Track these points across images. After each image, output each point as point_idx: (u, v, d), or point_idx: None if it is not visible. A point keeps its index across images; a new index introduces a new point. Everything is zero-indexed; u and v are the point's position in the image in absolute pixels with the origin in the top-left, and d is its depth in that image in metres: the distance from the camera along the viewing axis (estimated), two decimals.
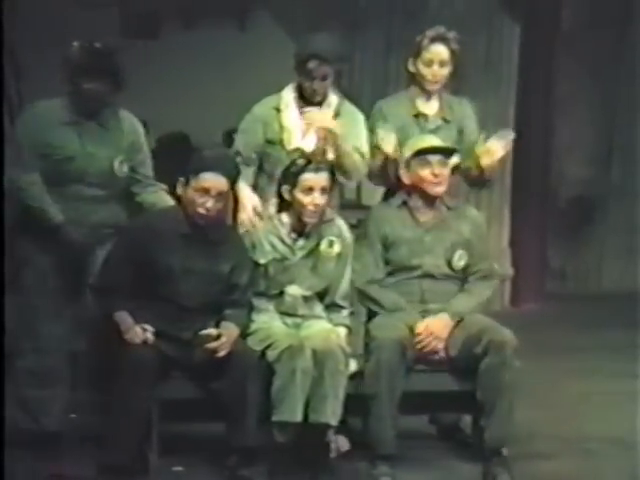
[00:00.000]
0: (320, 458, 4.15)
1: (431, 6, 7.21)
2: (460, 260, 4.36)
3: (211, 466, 4.17)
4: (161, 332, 4.06)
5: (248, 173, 4.41)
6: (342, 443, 4.32)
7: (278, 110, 4.39)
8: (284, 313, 4.26)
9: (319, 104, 4.39)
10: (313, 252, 4.27)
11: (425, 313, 4.30)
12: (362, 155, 4.42)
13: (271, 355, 4.09)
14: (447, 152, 4.35)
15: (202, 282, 4.10)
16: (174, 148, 6.27)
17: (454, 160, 4.41)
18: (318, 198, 4.17)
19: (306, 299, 4.26)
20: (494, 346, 4.16)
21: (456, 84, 4.57)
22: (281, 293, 4.25)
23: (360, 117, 4.49)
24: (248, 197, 4.36)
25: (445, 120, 4.51)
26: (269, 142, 4.38)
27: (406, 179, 4.36)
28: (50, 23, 5.77)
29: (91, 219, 4.21)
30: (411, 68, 4.48)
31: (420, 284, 4.33)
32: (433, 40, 4.42)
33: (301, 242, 4.26)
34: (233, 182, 4.13)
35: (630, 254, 7.49)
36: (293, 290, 4.24)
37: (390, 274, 4.35)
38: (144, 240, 4.10)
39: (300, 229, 4.25)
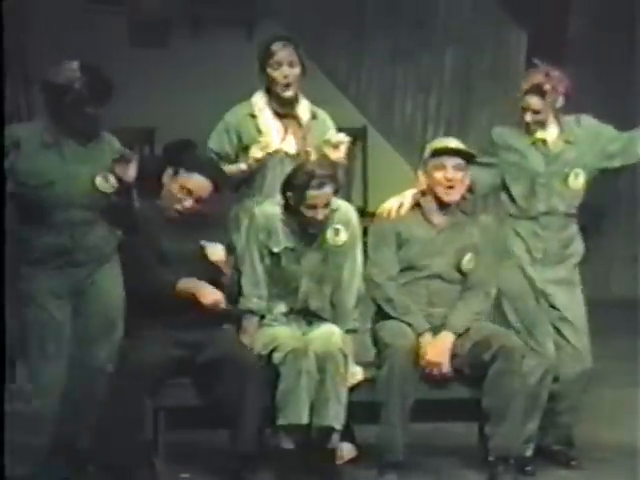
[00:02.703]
0: (326, 465, 4.16)
1: (439, 15, 7.23)
2: (469, 263, 4.33)
3: (217, 473, 4.17)
4: (169, 333, 4.10)
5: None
6: (348, 450, 4.32)
7: (253, 116, 4.43)
8: (297, 312, 4.26)
9: (290, 106, 4.41)
10: (322, 244, 4.28)
11: (429, 317, 4.30)
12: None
13: (277, 357, 4.11)
14: (465, 157, 4.30)
15: (197, 266, 4.13)
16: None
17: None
18: (321, 213, 4.21)
19: (318, 292, 4.27)
20: (504, 352, 4.15)
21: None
22: (295, 290, 4.25)
23: (330, 126, 4.52)
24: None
25: (569, 142, 4.44)
26: (246, 148, 4.40)
27: (422, 180, 4.34)
28: (59, 33, 5.80)
29: (86, 243, 4.08)
30: (518, 94, 4.42)
31: (428, 286, 4.32)
32: (527, 92, 4.35)
33: (309, 235, 4.28)
34: (215, 187, 4.16)
35: (638, 262, 7.47)
36: (305, 285, 4.25)
37: (399, 273, 4.32)
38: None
39: (306, 227, 4.28)
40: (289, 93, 4.38)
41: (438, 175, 4.26)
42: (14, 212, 4.01)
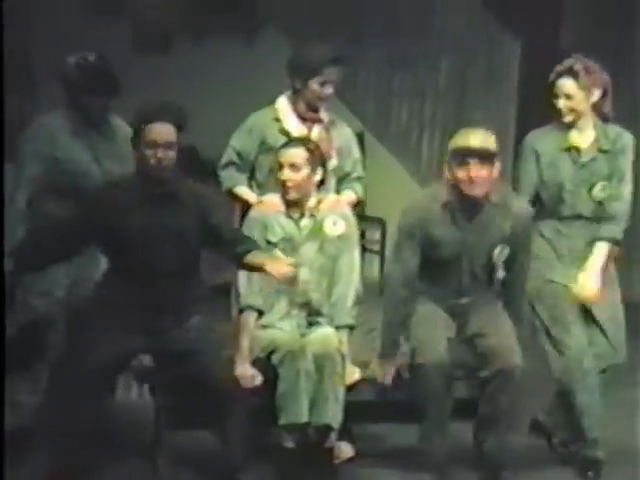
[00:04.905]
0: (323, 464, 4.22)
1: (434, 23, 7.31)
2: (501, 255, 4.22)
3: (216, 475, 4.17)
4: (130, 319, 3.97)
5: (243, 179, 4.57)
6: (345, 450, 4.38)
7: (277, 120, 4.53)
8: (299, 307, 4.33)
9: (316, 110, 4.52)
10: (319, 233, 4.36)
11: (455, 308, 4.25)
12: (360, 180, 4.65)
13: (275, 359, 4.18)
14: (487, 154, 4.09)
15: (171, 241, 3.98)
16: (182, 161, 6.40)
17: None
18: (287, 174, 4.30)
19: (317, 285, 4.33)
20: (503, 374, 4.10)
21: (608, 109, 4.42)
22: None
23: (351, 137, 4.67)
24: (253, 196, 4.51)
25: (601, 151, 4.36)
26: (269, 149, 4.49)
27: (448, 175, 4.18)
28: (63, 38, 5.87)
29: None
30: (553, 98, 4.35)
31: (459, 279, 4.25)
32: (560, 74, 4.31)
33: (305, 221, 4.37)
34: (179, 129, 3.99)
35: (633, 265, 7.51)
36: (304, 275, 4.32)
37: (427, 264, 4.23)
38: (104, 207, 3.99)
39: (301, 209, 4.37)
40: (322, 106, 4.52)
41: (461, 173, 4.08)
42: (39, 191, 4.21)
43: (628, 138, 4.41)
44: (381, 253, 6.75)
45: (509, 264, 4.27)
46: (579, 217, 4.39)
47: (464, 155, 4.08)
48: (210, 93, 6.55)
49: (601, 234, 4.37)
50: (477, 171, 4.07)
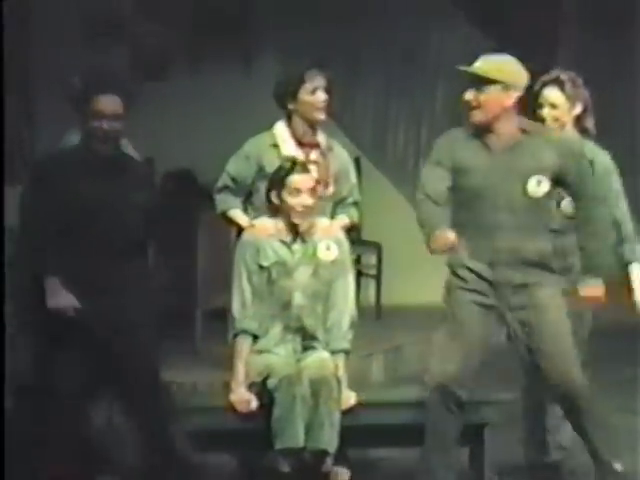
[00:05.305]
0: None
1: (431, 49, 7.36)
2: (538, 186, 4.02)
3: None
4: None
5: (237, 203, 4.57)
6: (342, 474, 4.36)
7: (275, 145, 4.53)
8: (293, 331, 4.34)
9: (313, 133, 4.53)
10: (312, 258, 4.36)
11: (495, 253, 4.05)
12: (356, 204, 4.65)
13: (271, 383, 4.20)
14: (481, 80, 4.02)
15: (120, 214, 3.98)
16: (179, 185, 6.46)
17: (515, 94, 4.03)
18: (306, 199, 4.30)
19: (312, 310, 4.35)
20: (568, 401, 4.08)
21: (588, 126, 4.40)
22: (287, 305, 4.33)
23: (348, 162, 4.65)
24: (246, 219, 4.52)
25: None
26: (266, 177, 4.47)
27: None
28: (61, 67, 5.92)
29: None
30: (537, 108, 4.35)
31: (495, 217, 4.04)
32: (545, 84, 4.34)
33: (298, 245, 4.37)
34: (128, 101, 3.99)
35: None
36: (298, 299, 4.34)
37: (463, 205, 4.09)
38: (54, 180, 3.99)
39: (294, 233, 4.37)
40: (322, 117, 4.50)
41: (464, 98, 4.07)
42: None
43: (607, 160, 4.37)
44: (377, 277, 6.79)
45: (575, 206, 4.13)
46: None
47: (468, 80, 4.07)
48: (207, 118, 6.61)
49: (629, 258, 4.36)
50: (472, 96, 4.03)
